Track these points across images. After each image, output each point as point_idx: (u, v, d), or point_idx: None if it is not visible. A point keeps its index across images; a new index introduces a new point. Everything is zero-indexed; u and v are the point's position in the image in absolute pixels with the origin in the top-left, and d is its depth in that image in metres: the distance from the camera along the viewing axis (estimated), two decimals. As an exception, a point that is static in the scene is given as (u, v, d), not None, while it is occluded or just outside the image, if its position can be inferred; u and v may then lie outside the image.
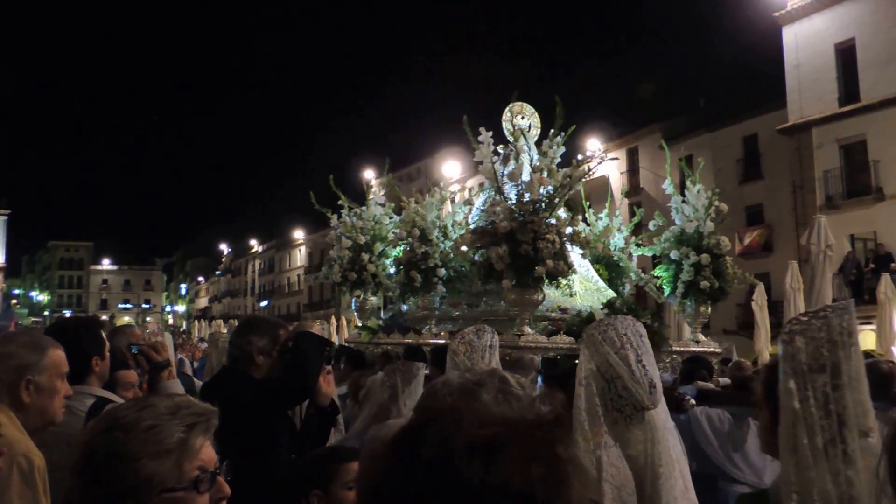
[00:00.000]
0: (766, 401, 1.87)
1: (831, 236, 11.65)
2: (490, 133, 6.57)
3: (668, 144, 32.81)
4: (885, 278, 12.68)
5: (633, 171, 30.42)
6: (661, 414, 2.13)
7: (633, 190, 29.37)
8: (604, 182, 30.04)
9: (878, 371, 4.37)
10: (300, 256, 61.57)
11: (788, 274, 12.38)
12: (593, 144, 32.10)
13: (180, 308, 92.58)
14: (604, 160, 6.83)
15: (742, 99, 27.65)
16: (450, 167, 30.31)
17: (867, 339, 14.93)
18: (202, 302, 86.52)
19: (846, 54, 21.64)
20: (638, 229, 8.19)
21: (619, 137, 31.66)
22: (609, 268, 7.76)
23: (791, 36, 22.79)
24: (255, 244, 72.57)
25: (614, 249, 7.83)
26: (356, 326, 7.64)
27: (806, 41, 22.29)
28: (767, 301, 14.05)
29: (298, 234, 59.98)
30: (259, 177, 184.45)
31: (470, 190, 30.38)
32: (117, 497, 1.23)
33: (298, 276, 60.46)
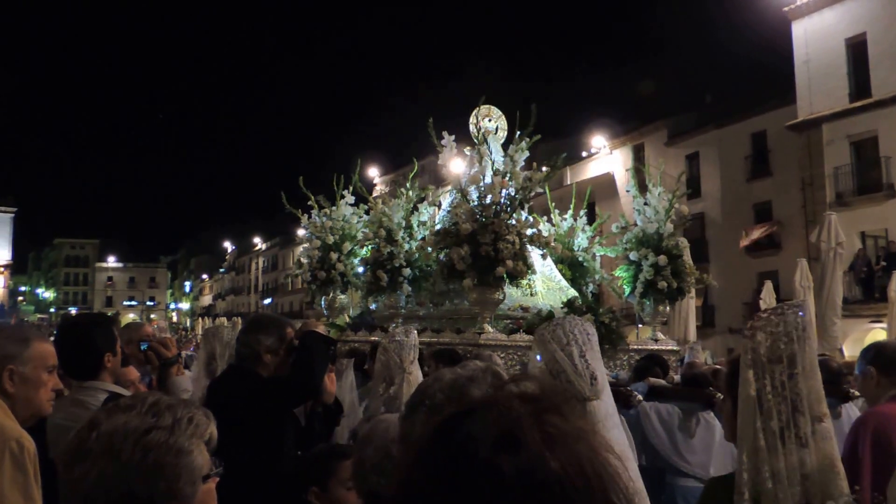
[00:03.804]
0: (729, 392, 2.01)
1: (841, 234, 11.51)
2: (453, 137, 6.86)
3: (675, 141, 32.41)
4: (897, 276, 12.39)
5: (638, 168, 30.13)
6: (603, 406, 2.28)
7: (639, 187, 29.08)
8: (609, 179, 29.79)
9: (828, 368, 4.70)
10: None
11: (798, 272, 12.22)
12: (599, 141, 31.88)
13: (184, 305, 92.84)
14: (558, 166, 7.07)
15: (750, 95, 27.34)
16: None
17: (878, 337, 14.63)
18: (206, 299, 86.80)
19: (857, 49, 21.35)
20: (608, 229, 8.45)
21: (625, 134, 31.42)
22: (572, 267, 8.00)
23: (801, 31, 22.52)
24: (258, 242, 72.76)
25: (578, 250, 8.08)
26: (325, 325, 7.69)
27: (816, 36, 22.02)
28: (776, 299, 13.78)
29: (301, 232, 59.94)
30: (262, 175, 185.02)
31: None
32: (178, 487, 1.30)
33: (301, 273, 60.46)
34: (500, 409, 0.81)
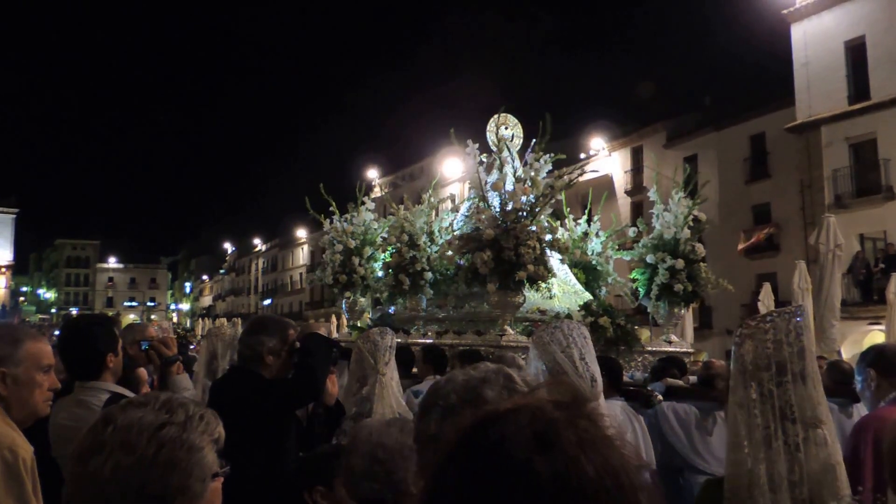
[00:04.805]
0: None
1: (840, 236, 11.48)
2: (476, 145, 7.04)
3: (674, 143, 32.40)
4: (895, 278, 12.41)
5: (637, 169, 30.18)
6: (600, 407, 2.31)
7: (637, 189, 29.12)
8: (607, 180, 29.80)
9: (840, 369, 4.76)
10: (303, 255, 61.60)
11: (796, 274, 12.22)
12: (597, 143, 31.90)
13: (185, 306, 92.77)
14: (584, 172, 7.19)
15: (749, 97, 27.36)
16: (451, 166, 30.10)
17: (876, 339, 14.65)
18: (206, 300, 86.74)
19: (856, 52, 21.35)
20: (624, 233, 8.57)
21: (624, 136, 31.44)
22: (586, 271, 8.15)
23: (800, 33, 22.52)
24: (258, 243, 72.81)
25: (591, 254, 8.24)
26: (347, 326, 7.82)
27: (815, 39, 22.02)
28: (774, 301, 13.80)
29: (301, 233, 60.01)
30: (263, 176, 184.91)
31: (470, 189, 30.43)
32: (189, 484, 1.31)
33: (301, 274, 60.57)
34: (535, 412, 0.81)
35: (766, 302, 13.38)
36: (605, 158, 31.41)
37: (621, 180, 30.86)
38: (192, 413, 1.35)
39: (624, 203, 29.31)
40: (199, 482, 1.32)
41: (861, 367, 3.29)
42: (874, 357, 3.25)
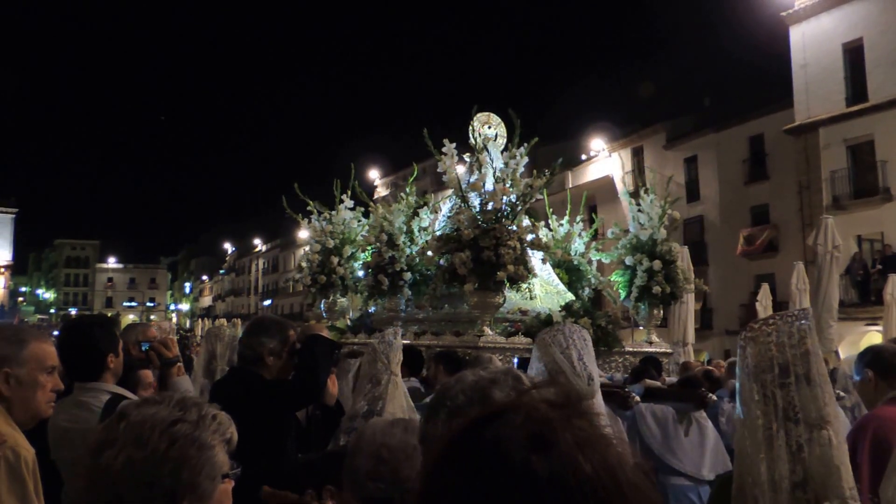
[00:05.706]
0: None
1: (838, 237, 11.57)
2: (454, 145, 6.95)
3: (674, 144, 32.27)
4: (893, 279, 12.59)
5: (637, 170, 30.27)
6: (596, 406, 2.46)
7: (638, 189, 29.19)
8: (608, 182, 29.93)
9: None
10: (303, 256, 61.56)
11: (794, 275, 12.32)
12: (597, 144, 32.00)
13: (184, 307, 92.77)
14: (556, 172, 7.17)
15: (748, 99, 27.48)
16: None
17: (874, 340, 14.77)
18: (206, 301, 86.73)
19: (854, 54, 21.46)
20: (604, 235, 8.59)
21: (624, 137, 31.53)
22: (569, 272, 8.11)
23: (798, 35, 22.63)
24: (258, 243, 72.74)
25: (574, 255, 8.20)
26: (325, 327, 7.80)
27: (813, 41, 22.13)
28: (773, 302, 13.92)
29: (302, 234, 59.94)
30: (263, 176, 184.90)
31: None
32: (198, 481, 1.34)
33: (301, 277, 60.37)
34: (530, 412, 0.80)
35: (764, 303, 13.50)
36: (606, 160, 31.53)
37: (622, 181, 30.99)
38: (205, 412, 1.38)
39: (627, 204, 29.41)
40: (209, 480, 1.34)
41: (859, 367, 3.33)
42: (872, 358, 3.28)
